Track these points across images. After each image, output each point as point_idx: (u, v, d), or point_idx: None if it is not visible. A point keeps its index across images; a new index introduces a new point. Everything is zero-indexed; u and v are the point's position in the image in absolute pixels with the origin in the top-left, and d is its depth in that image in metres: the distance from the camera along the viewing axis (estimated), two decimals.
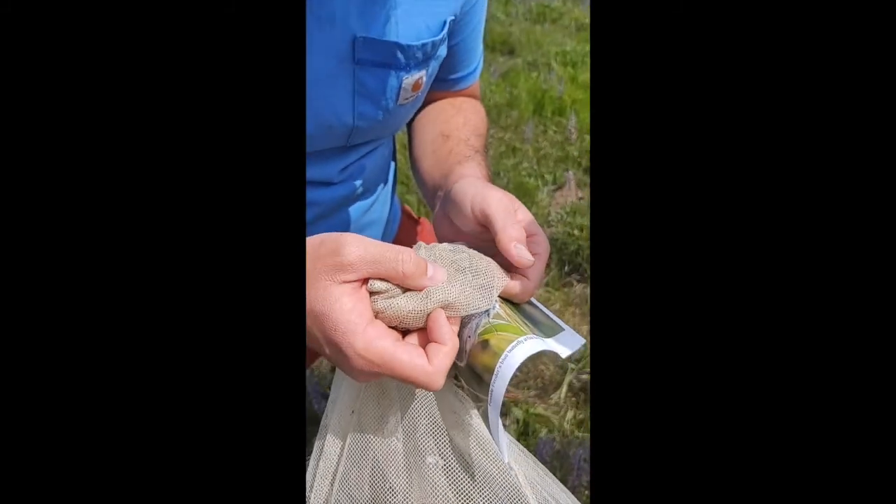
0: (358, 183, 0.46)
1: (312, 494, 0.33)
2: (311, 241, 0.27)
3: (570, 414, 0.98)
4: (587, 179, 1.89)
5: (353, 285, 0.26)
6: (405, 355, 0.25)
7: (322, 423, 0.34)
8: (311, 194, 0.43)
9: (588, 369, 1.10)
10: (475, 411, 0.32)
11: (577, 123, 2.12)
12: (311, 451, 0.34)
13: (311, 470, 0.34)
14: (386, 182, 0.53)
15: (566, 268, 1.49)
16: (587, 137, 2.08)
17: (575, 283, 1.46)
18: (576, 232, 1.56)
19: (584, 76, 2.67)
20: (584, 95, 2.42)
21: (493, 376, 0.27)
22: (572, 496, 0.35)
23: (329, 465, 0.33)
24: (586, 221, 1.58)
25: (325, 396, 1.04)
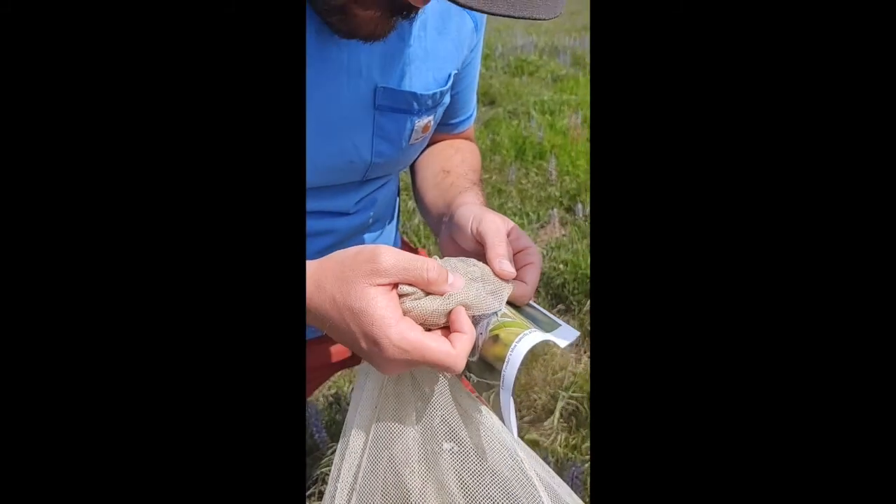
0: (370, 214, 0.52)
1: (338, 486, 0.36)
2: (347, 252, 0.32)
3: (562, 437, 1.01)
4: (570, 217, 1.98)
5: (386, 287, 0.31)
6: (433, 342, 0.30)
7: (346, 421, 0.38)
8: (330, 223, 0.49)
9: (578, 394, 1.14)
10: (484, 407, 0.36)
11: (557, 166, 2.23)
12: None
13: (336, 466, 0.37)
14: (392, 216, 0.59)
15: (552, 300, 1.55)
16: (567, 178, 2.20)
17: (562, 314, 1.51)
18: (560, 266, 1.63)
19: (562, 122, 2.83)
20: (562, 140, 2.56)
21: (505, 364, 0.31)
22: (570, 490, 0.38)
23: (353, 459, 0.37)
24: (570, 256, 1.65)
25: (325, 427, 1.05)
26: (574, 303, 1.52)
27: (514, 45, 5.17)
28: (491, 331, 0.33)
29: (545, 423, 1.07)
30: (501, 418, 0.33)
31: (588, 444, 1.00)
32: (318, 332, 0.55)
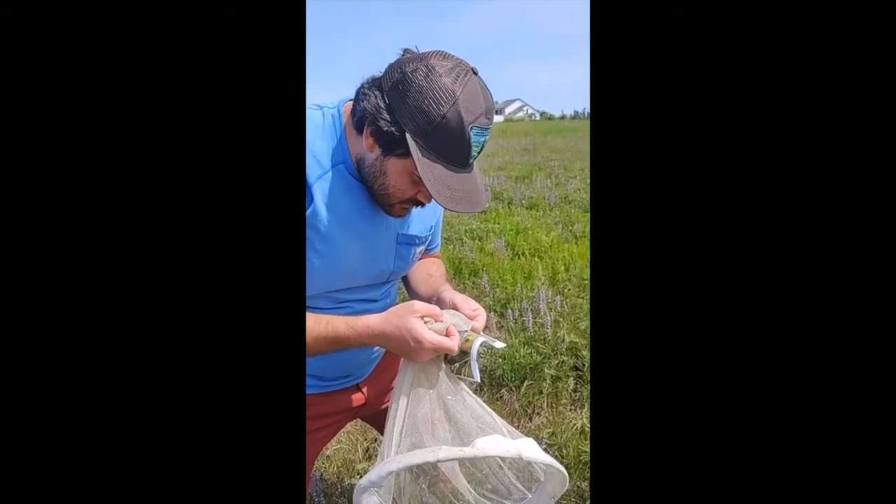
0: (388, 300, 0.92)
1: (394, 427, 0.72)
2: (399, 306, 0.72)
3: None
4: (503, 321, 2.43)
5: (420, 317, 0.70)
6: (443, 338, 0.69)
7: (394, 392, 0.74)
8: (367, 307, 0.88)
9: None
10: (461, 382, 0.75)
11: (489, 280, 2.74)
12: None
13: (391, 418, 0.73)
14: (396, 297, 1.00)
15: (493, 386, 1.92)
16: (497, 290, 2.69)
17: (500, 396, 1.87)
18: (499, 360, 2.03)
19: (489, 246, 3.44)
20: (490, 260, 3.12)
21: (472, 352, 0.71)
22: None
23: (401, 412, 0.73)
24: (506, 351, 2.06)
25: (327, 495, 1.28)
26: (511, 386, 1.90)
27: None
28: (464, 339, 0.73)
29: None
30: (472, 375, 0.72)
31: None
32: (335, 386, 0.89)
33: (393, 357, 0.95)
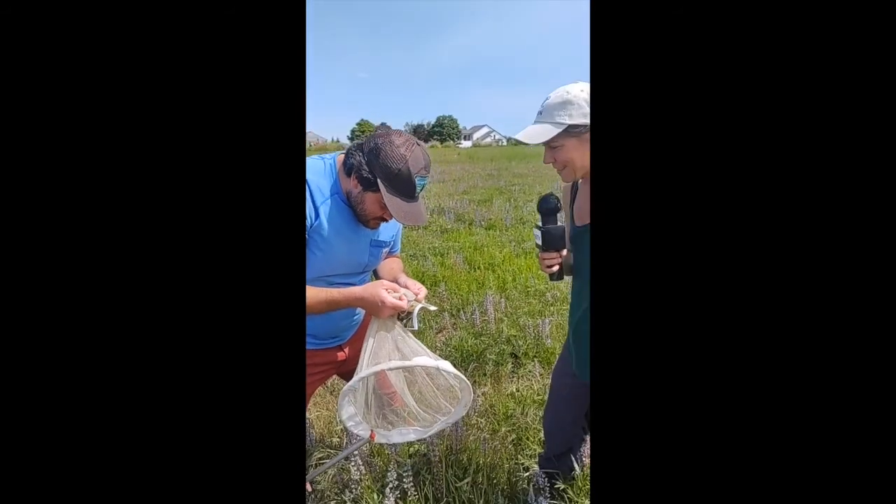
0: (367, 279, 1.35)
1: (365, 358, 1.14)
2: (372, 282, 1.15)
3: None
4: (457, 321, 2.87)
5: (385, 289, 1.13)
6: (398, 301, 1.11)
7: (365, 341, 1.17)
8: (350, 283, 1.31)
9: None
10: (409, 332, 1.18)
11: (447, 290, 3.18)
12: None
13: (361, 362, 1.15)
14: (369, 279, 1.43)
15: None
16: (454, 297, 3.14)
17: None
18: (451, 350, 2.46)
19: (449, 261, 3.90)
20: (450, 273, 3.57)
21: (414, 312, 1.14)
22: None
23: (366, 354, 1.15)
24: (457, 342, 2.48)
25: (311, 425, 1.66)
26: (461, 368, 2.32)
27: None
28: (410, 304, 1.17)
29: None
30: (413, 326, 1.15)
31: None
32: (326, 344, 1.32)
33: (365, 324, 1.38)
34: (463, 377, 1.11)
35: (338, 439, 1.78)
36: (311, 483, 1.53)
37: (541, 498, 1.31)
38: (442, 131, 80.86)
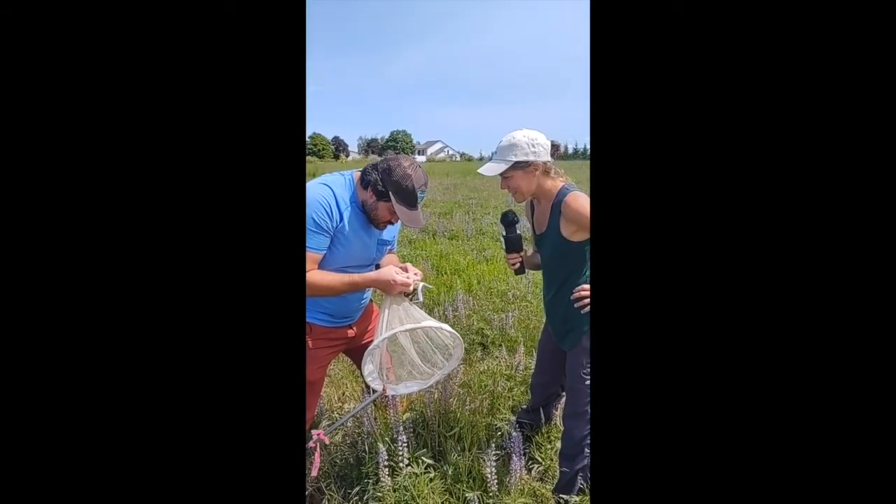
0: (374, 268, 1.71)
1: (383, 326, 1.50)
2: (385, 267, 1.52)
3: None
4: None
5: (395, 268, 1.49)
6: (406, 280, 1.48)
7: (380, 315, 1.53)
8: (361, 271, 1.66)
9: None
10: (414, 304, 1.55)
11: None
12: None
13: (379, 322, 1.51)
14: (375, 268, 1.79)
15: None
16: (427, 300, 3.50)
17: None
18: None
19: (419, 268, 4.27)
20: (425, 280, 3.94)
21: (419, 289, 1.51)
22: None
23: (382, 323, 1.52)
24: None
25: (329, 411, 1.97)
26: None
27: None
28: (414, 284, 1.54)
29: None
30: (418, 299, 1.52)
31: None
32: (340, 323, 1.67)
33: (370, 309, 1.74)
34: (457, 335, 1.50)
35: (349, 405, 2.09)
36: (328, 437, 1.85)
37: (513, 438, 1.70)
38: (396, 146, 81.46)
